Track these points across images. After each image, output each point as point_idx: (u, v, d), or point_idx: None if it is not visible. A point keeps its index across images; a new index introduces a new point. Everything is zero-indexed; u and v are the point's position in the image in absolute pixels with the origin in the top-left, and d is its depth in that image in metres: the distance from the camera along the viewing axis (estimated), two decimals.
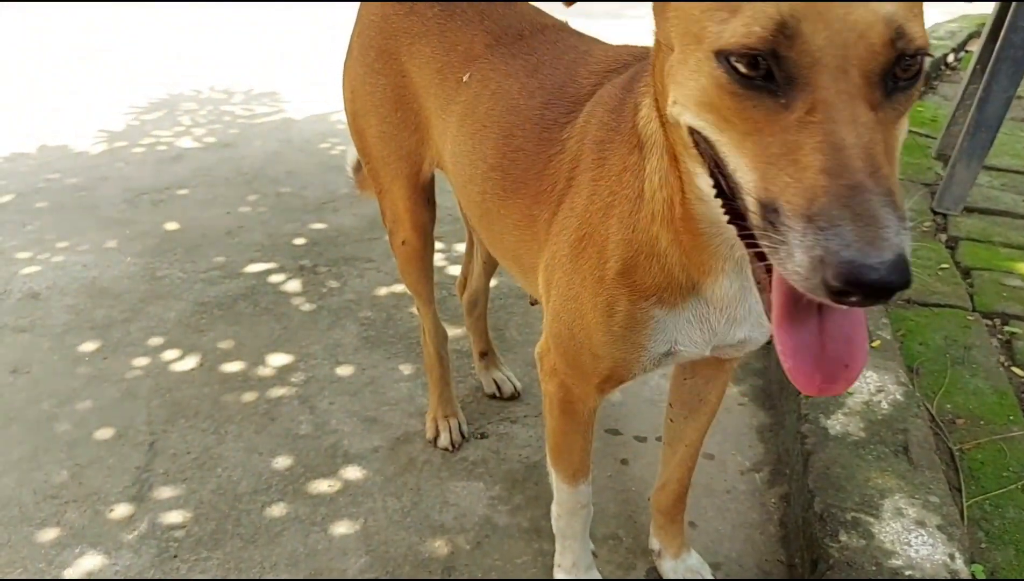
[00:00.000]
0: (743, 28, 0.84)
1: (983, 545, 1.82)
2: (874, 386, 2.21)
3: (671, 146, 1.12)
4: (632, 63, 1.43)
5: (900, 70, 0.87)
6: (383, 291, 3.20)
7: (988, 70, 3.32)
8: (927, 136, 4.47)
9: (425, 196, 2.00)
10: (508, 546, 2.04)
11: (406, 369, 2.72)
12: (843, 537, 1.74)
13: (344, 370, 2.71)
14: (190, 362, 2.75)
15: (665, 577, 1.91)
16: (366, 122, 1.97)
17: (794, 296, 0.90)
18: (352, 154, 2.43)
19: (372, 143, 1.97)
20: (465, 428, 2.39)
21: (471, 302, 2.49)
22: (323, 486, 2.22)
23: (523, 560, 2.00)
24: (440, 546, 2.04)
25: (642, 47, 1.50)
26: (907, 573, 1.64)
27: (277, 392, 2.60)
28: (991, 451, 2.10)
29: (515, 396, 2.55)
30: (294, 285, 3.24)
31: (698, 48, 0.91)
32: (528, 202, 1.50)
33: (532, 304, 1.87)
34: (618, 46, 1.57)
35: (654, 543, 1.94)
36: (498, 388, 2.55)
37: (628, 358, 1.36)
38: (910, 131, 4.53)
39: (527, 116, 1.53)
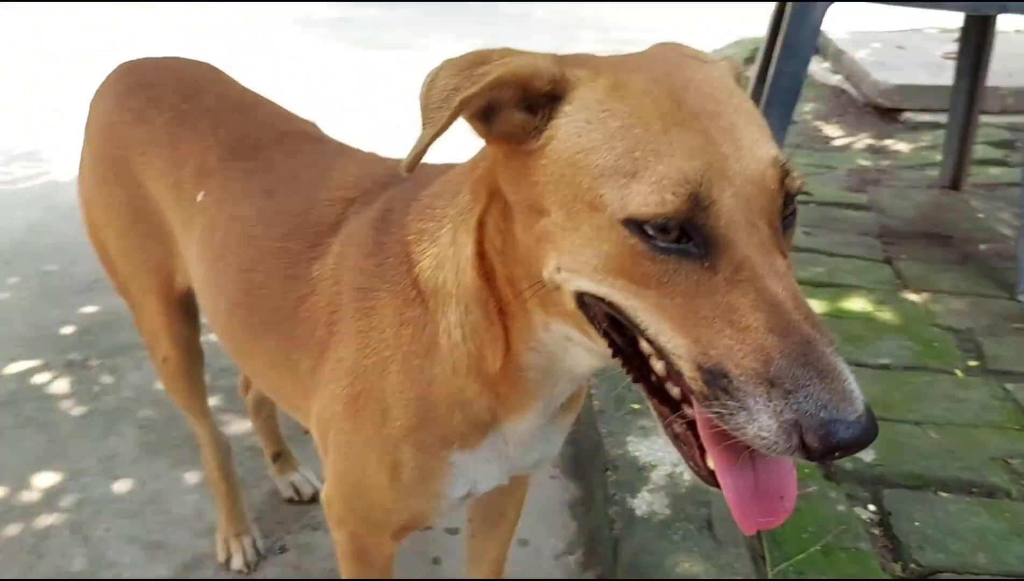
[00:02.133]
0: (654, 197, 0.83)
1: None
2: (675, 456, 2.21)
3: (493, 302, 1.07)
4: (375, 190, 1.32)
5: (785, 211, 0.89)
6: None
7: (761, 112, 3.48)
8: None
9: (183, 309, 1.82)
10: None
11: (193, 478, 2.48)
12: None
13: (122, 486, 2.44)
14: None
15: None
16: (106, 235, 1.76)
17: (731, 448, 0.89)
18: None
19: (116, 258, 1.78)
20: (260, 544, 2.20)
21: (256, 404, 2.30)
22: None
23: None
24: None
25: (381, 167, 1.40)
26: None
27: (45, 521, 2.30)
28: None
29: (316, 498, 2.38)
30: (62, 385, 2.90)
31: (594, 215, 0.88)
32: (283, 345, 1.37)
33: (306, 433, 1.74)
34: (357, 164, 1.45)
35: None
36: (296, 491, 2.37)
37: (425, 508, 1.30)
38: None
39: (268, 248, 1.39)
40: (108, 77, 1.78)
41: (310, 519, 2.33)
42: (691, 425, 0.94)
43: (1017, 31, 6.56)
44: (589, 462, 2.46)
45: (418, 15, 9.71)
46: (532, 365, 1.11)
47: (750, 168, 0.85)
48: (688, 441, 0.94)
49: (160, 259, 1.72)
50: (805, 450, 0.78)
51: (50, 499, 2.38)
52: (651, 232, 0.84)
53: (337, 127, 1.87)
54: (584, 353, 1.07)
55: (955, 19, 6.78)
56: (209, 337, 2.59)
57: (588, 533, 2.27)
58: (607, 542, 2.04)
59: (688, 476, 2.15)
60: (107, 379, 2.94)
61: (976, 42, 3.84)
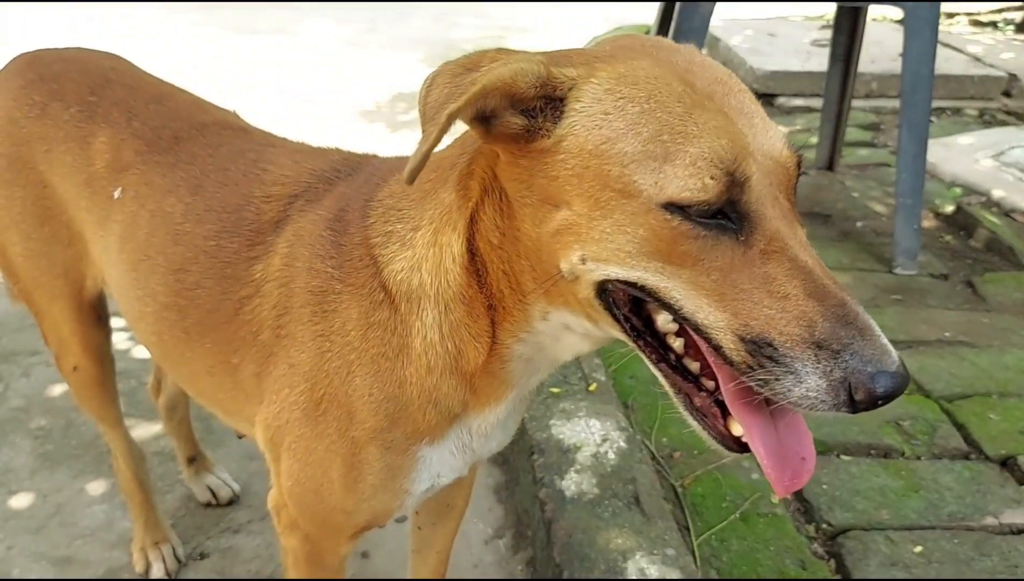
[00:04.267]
0: (694, 181, 0.86)
1: None
2: (599, 435, 2.27)
3: (481, 299, 1.07)
4: (318, 187, 1.28)
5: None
6: (57, 390, 2.76)
7: None
8: None
9: (95, 314, 1.73)
10: None
11: (98, 487, 2.36)
12: None
13: (21, 501, 2.30)
14: None
15: None
16: (7, 239, 1.65)
17: (755, 410, 0.93)
18: None
19: (18, 262, 1.66)
20: (180, 552, 2.12)
21: (170, 407, 2.21)
22: None
23: None
24: None
25: (321, 161, 1.35)
26: None
27: None
28: (708, 483, 2.23)
29: (234, 500, 2.31)
30: None
31: (627, 202, 0.88)
32: (221, 349, 1.32)
33: (240, 438, 1.68)
34: (291, 156, 1.40)
35: None
36: (213, 495, 2.29)
37: (389, 507, 1.28)
38: None
39: (200, 247, 1.33)
40: (4, 70, 1.65)
41: (229, 522, 2.26)
42: (711, 397, 0.98)
43: (875, 20, 6.96)
44: (512, 447, 2.48)
45: (293, 1, 9.44)
46: (517, 356, 1.12)
47: (768, 145, 0.90)
48: (711, 412, 0.97)
49: (69, 263, 1.62)
50: (851, 404, 0.84)
51: None
52: (688, 210, 0.88)
53: None
54: (576, 340, 1.08)
55: (821, 7, 7.15)
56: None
57: (515, 516, 2.30)
58: (538, 524, 2.08)
59: (612, 453, 2.21)
60: None
61: (848, 31, 4.06)
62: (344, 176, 1.28)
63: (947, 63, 5.97)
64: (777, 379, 0.86)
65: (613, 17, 8.64)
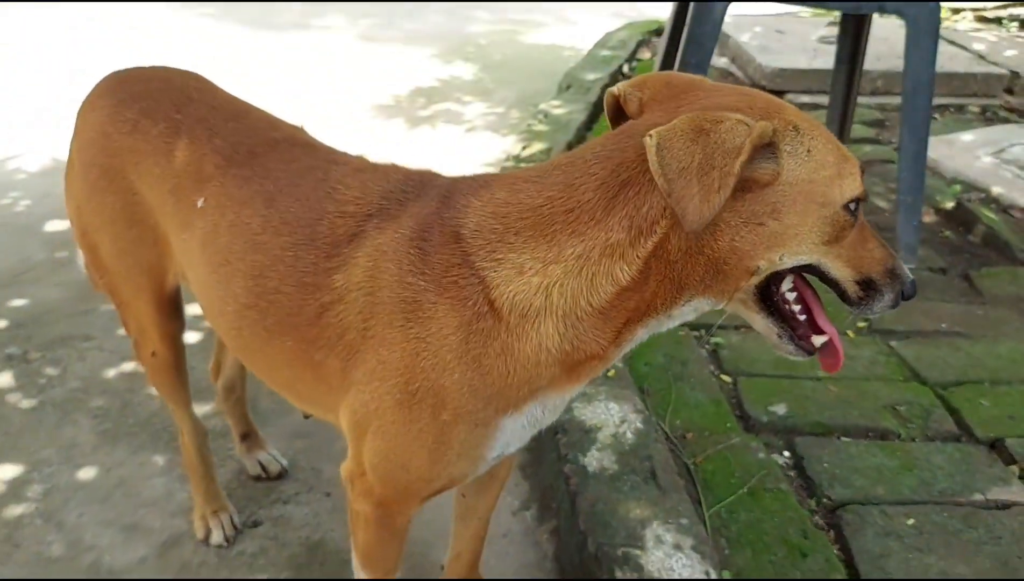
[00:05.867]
0: (858, 186, 1.29)
1: (727, 552, 2.12)
2: (618, 417, 2.47)
3: (620, 307, 1.31)
4: (391, 208, 1.45)
5: None
6: (112, 373, 2.97)
7: None
8: None
9: (172, 306, 1.93)
10: None
11: (157, 462, 2.57)
12: (618, 573, 1.94)
13: (87, 473, 2.51)
14: None
15: None
16: (98, 239, 1.84)
17: (834, 329, 1.42)
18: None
19: (108, 260, 1.86)
20: (237, 519, 2.32)
21: (228, 388, 2.41)
22: None
23: None
24: None
25: (385, 181, 1.51)
26: None
27: (14, 511, 2.35)
28: (718, 461, 2.43)
29: (283, 474, 2.52)
30: (5, 379, 2.91)
31: (823, 209, 1.27)
32: (303, 346, 1.49)
33: (305, 418, 1.87)
34: (357, 175, 1.55)
35: None
36: (264, 469, 2.50)
37: (465, 472, 1.47)
38: None
39: (277, 256, 1.51)
40: (97, 88, 1.84)
41: (279, 494, 2.46)
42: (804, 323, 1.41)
43: (881, 17, 7.10)
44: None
45: None
46: (636, 339, 1.37)
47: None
48: (807, 335, 1.40)
49: (152, 261, 1.82)
50: (902, 300, 1.37)
51: (15, 490, 2.43)
52: (852, 208, 1.29)
53: None
54: (689, 315, 1.36)
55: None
56: None
57: (540, 491, 2.50)
58: (563, 496, 2.27)
59: (630, 433, 2.40)
60: (51, 371, 2.96)
61: (854, 31, 4.22)
62: (412, 196, 1.44)
63: (951, 60, 6.12)
64: (870, 299, 1.35)
65: (625, 13, 8.77)
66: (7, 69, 6.75)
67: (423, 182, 1.48)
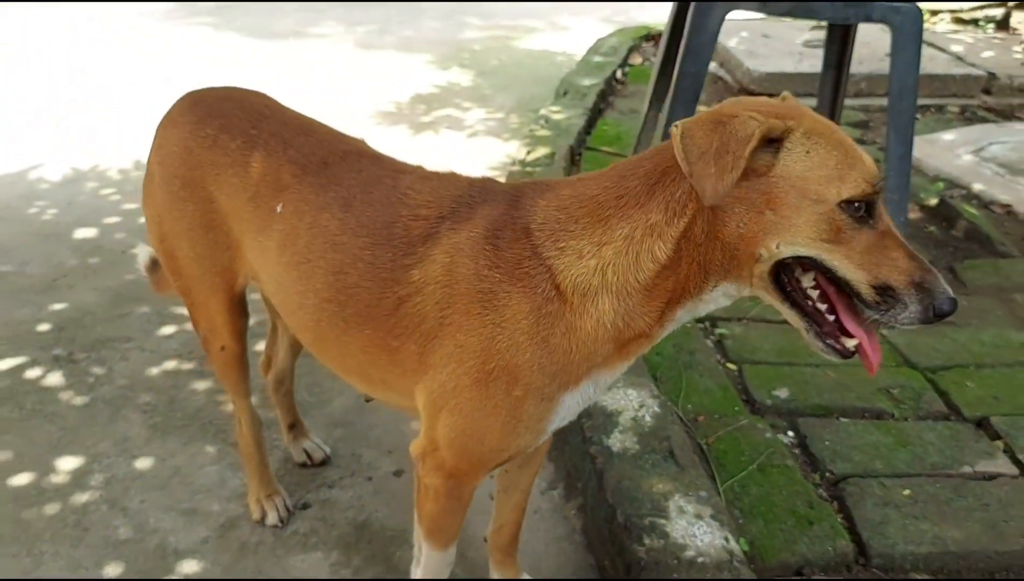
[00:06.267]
0: (858, 188, 1.37)
1: (740, 521, 2.34)
2: (636, 402, 2.68)
3: (663, 287, 1.50)
4: (461, 210, 1.65)
5: None
6: (155, 371, 3.15)
7: (668, 107, 3.97)
8: (616, 154, 5.14)
9: (241, 305, 2.12)
10: None
11: (208, 452, 2.75)
12: (646, 541, 2.15)
13: (143, 463, 2.69)
14: None
15: None
16: (176, 245, 2.03)
17: (867, 330, 1.48)
18: (144, 254, 2.45)
19: (185, 264, 2.05)
20: (289, 502, 2.51)
21: (278, 381, 2.60)
22: None
23: None
24: None
25: (452, 187, 1.71)
26: (700, 560, 2.09)
27: (81, 499, 2.53)
28: (729, 441, 2.64)
29: (326, 461, 2.71)
30: (55, 378, 3.08)
31: (816, 205, 1.38)
32: (381, 335, 1.68)
33: (367, 401, 2.07)
34: (424, 182, 1.75)
35: (495, 574, 2.23)
36: (308, 456, 2.69)
37: (530, 443, 1.67)
38: (599, 150, 5.20)
39: (356, 255, 1.70)
40: (176, 107, 2.03)
41: (324, 479, 2.66)
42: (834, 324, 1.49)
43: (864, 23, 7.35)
44: None
45: (306, 3, 9.76)
46: (676, 319, 1.55)
47: (874, 168, 1.41)
48: (835, 334, 1.48)
49: (225, 263, 2.01)
50: (934, 317, 1.39)
51: (78, 480, 2.61)
52: (851, 210, 1.37)
53: None
54: (721, 299, 1.53)
55: None
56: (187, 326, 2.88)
57: (565, 472, 2.71)
58: (589, 474, 2.48)
59: (649, 416, 2.61)
60: (98, 370, 3.14)
61: (840, 38, 4.45)
62: (480, 200, 1.64)
63: (931, 62, 6.38)
64: (892, 308, 1.40)
65: (614, 19, 8.99)
66: (7, 69, 6.88)
67: (486, 188, 1.68)
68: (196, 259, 2.02)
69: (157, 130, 2.05)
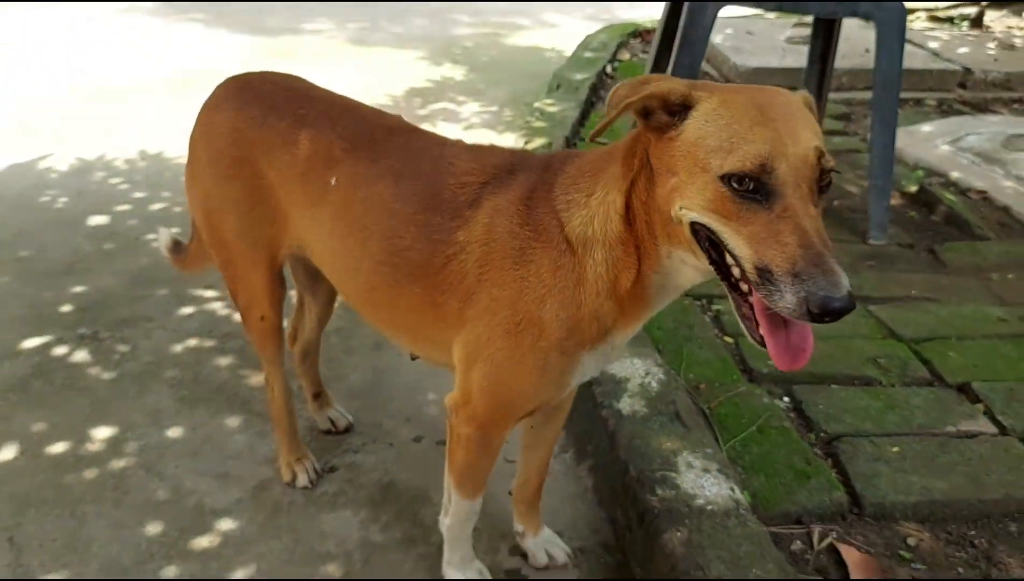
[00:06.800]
0: (739, 163, 1.36)
1: (743, 476, 2.51)
2: (643, 370, 2.85)
3: (632, 240, 1.60)
4: (501, 176, 1.81)
5: (822, 180, 1.44)
6: (178, 348, 3.28)
7: None
8: None
9: (280, 277, 2.27)
10: (391, 557, 2.37)
11: (235, 422, 2.89)
12: (659, 492, 2.32)
13: (175, 432, 2.82)
14: (9, 452, 2.69)
15: (530, 551, 2.37)
16: (221, 219, 2.17)
17: (772, 318, 1.43)
18: (165, 236, 2.59)
19: (230, 238, 2.19)
20: (317, 465, 2.65)
21: (304, 352, 2.74)
22: (204, 542, 2.38)
23: (407, 566, 2.36)
24: (334, 571, 2.32)
25: (493, 157, 1.87)
26: (709, 508, 2.26)
27: (118, 464, 2.66)
28: (729, 406, 2.82)
29: (349, 428, 2.86)
30: (83, 355, 3.21)
31: (704, 174, 1.40)
32: (429, 292, 1.84)
33: (413, 359, 2.22)
34: (468, 152, 1.91)
35: (518, 526, 2.38)
36: (333, 424, 2.84)
37: (554, 395, 1.83)
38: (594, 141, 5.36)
39: (409, 220, 1.85)
40: (218, 92, 2.17)
41: (348, 445, 2.80)
42: (751, 307, 1.49)
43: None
44: None
45: (293, 2, 9.86)
46: (654, 283, 1.65)
47: (800, 150, 1.40)
48: (750, 316, 1.48)
49: (271, 236, 2.15)
50: (810, 315, 1.32)
51: (114, 447, 2.74)
52: (734, 184, 1.37)
53: None
54: (692, 271, 1.60)
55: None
56: (206, 307, 3.01)
57: (575, 437, 2.87)
58: (601, 435, 2.65)
59: (655, 383, 2.78)
60: (123, 348, 3.26)
61: (824, 33, 4.65)
62: (519, 168, 1.80)
63: (909, 58, 6.56)
64: (771, 293, 1.34)
65: (600, 16, 9.17)
66: (8, 69, 6.96)
67: (525, 157, 1.84)
68: (241, 233, 2.16)
69: (199, 115, 2.19)
